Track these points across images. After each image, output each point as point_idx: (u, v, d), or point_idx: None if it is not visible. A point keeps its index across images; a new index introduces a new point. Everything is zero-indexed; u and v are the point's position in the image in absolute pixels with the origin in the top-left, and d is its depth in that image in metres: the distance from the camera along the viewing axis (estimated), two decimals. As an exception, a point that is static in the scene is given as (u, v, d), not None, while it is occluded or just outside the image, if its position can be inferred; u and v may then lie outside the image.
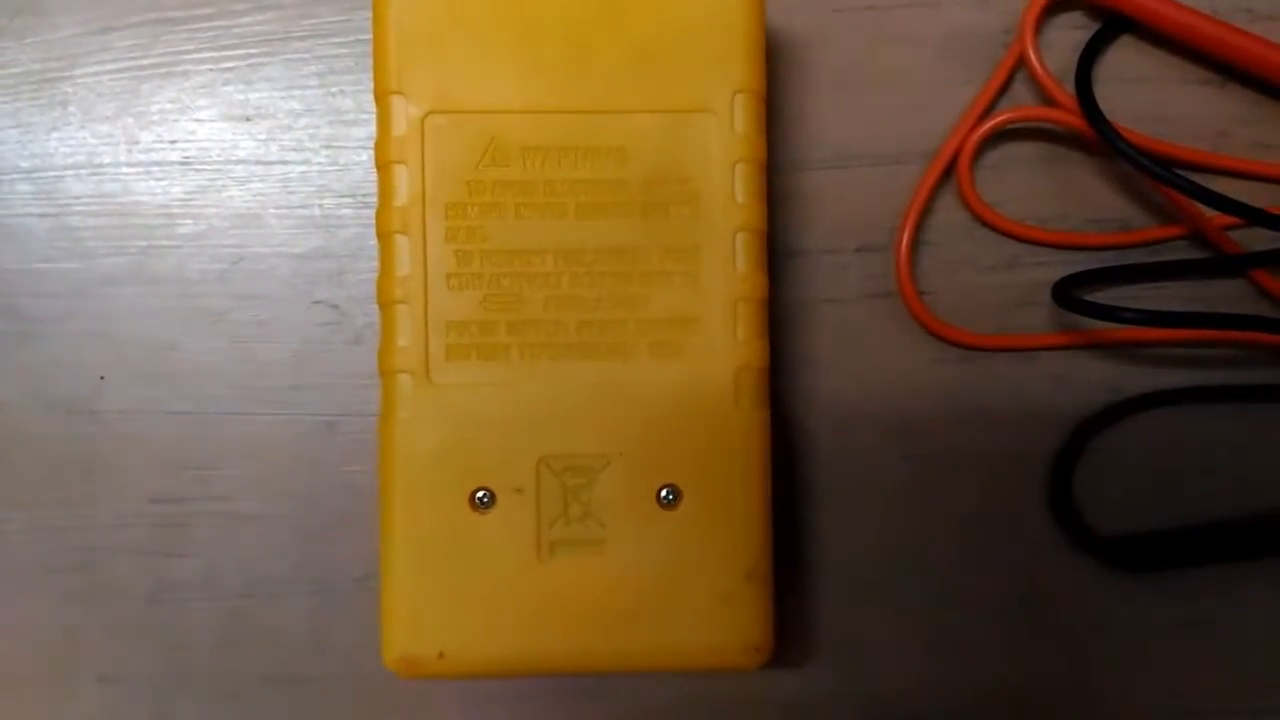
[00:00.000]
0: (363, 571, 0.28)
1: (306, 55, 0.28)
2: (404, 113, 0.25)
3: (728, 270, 0.25)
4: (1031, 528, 0.28)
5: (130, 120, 0.28)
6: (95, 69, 0.28)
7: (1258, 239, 0.28)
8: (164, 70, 0.28)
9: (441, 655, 0.24)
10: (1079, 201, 0.29)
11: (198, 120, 0.28)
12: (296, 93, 0.28)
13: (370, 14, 0.25)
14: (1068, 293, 0.27)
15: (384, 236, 0.25)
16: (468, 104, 0.25)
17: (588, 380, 0.25)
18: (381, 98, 0.25)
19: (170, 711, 0.28)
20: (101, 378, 0.28)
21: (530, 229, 0.25)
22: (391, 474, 0.25)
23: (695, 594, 0.25)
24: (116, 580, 0.28)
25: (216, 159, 0.28)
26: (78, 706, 0.28)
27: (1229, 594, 0.28)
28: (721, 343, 0.25)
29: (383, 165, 0.25)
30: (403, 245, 0.25)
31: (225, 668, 0.28)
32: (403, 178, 0.25)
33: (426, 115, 0.25)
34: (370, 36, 0.25)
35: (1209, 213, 0.28)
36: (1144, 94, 0.29)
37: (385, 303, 0.25)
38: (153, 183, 0.28)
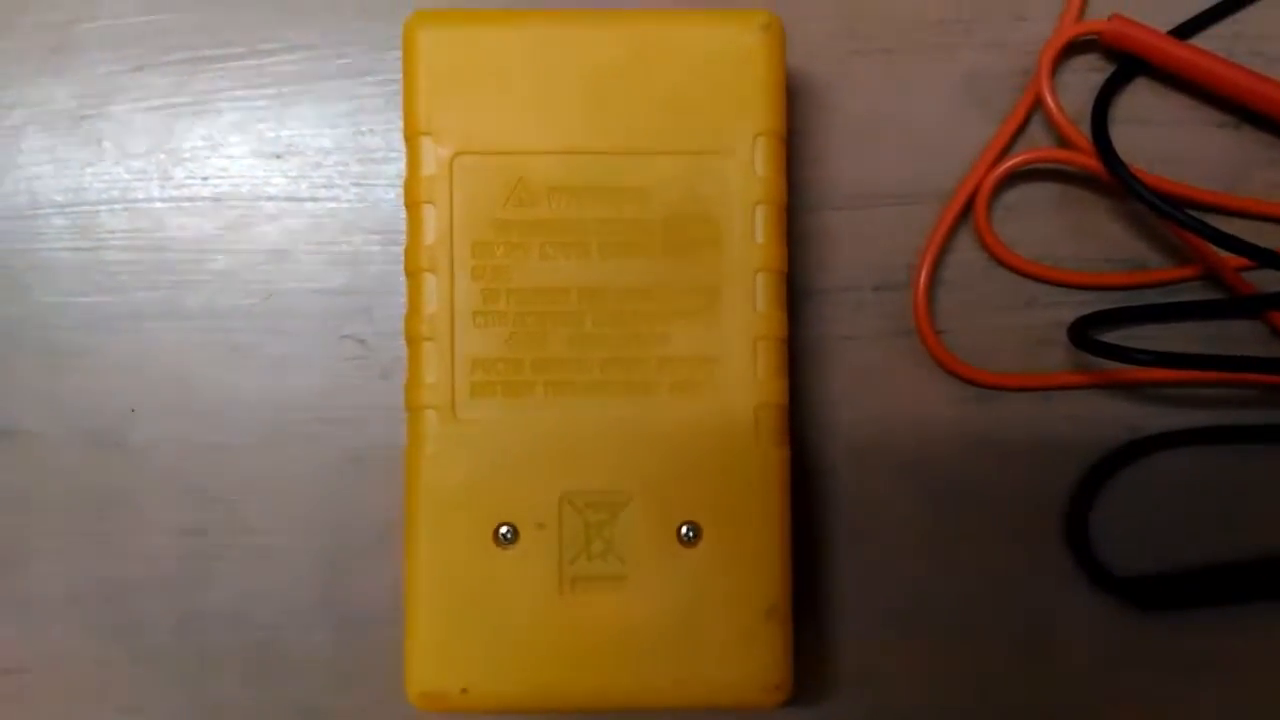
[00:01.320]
0: (387, 604, 0.28)
1: (336, 94, 0.29)
2: (433, 154, 0.25)
3: (748, 309, 0.25)
4: (1048, 566, 0.28)
5: (164, 156, 0.29)
6: (130, 106, 0.29)
7: (1273, 279, 0.29)
8: (197, 108, 0.29)
9: (464, 690, 0.25)
10: (1095, 242, 0.29)
11: (230, 157, 0.29)
12: (326, 131, 0.29)
13: (398, 55, 0.26)
14: (1083, 333, 0.27)
15: (412, 274, 0.25)
16: (495, 145, 0.25)
17: (610, 417, 0.25)
18: (411, 139, 0.25)
19: (194, 740, 0.28)
20: (132, 410, 0.28)
21: (555, 268, 0.25)
22: (417, 508, 0.25)
23: (715, 631, 0.25)
24: (143, 611, 0.28)
25: (248, 195, 0.29)
26: (103, 734, 0.28)
27: (1244, 634, 0.28)
28: (742, 381, 0.25)
29: (412, 204, 0.25)
30: (430, 283, 0.25)
31: (250, 700, 0.28)
32: (431, 217, 0.25)
33: (455, 156, 0.25)
34: (398, 77, 0.26)
35: (1223, 254, 0.28)
36: (1159, 135, 0.29)
37: (413, 339, 0.25)
38: (185, 218, 0.29)
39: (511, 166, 0.25)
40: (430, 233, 0.25)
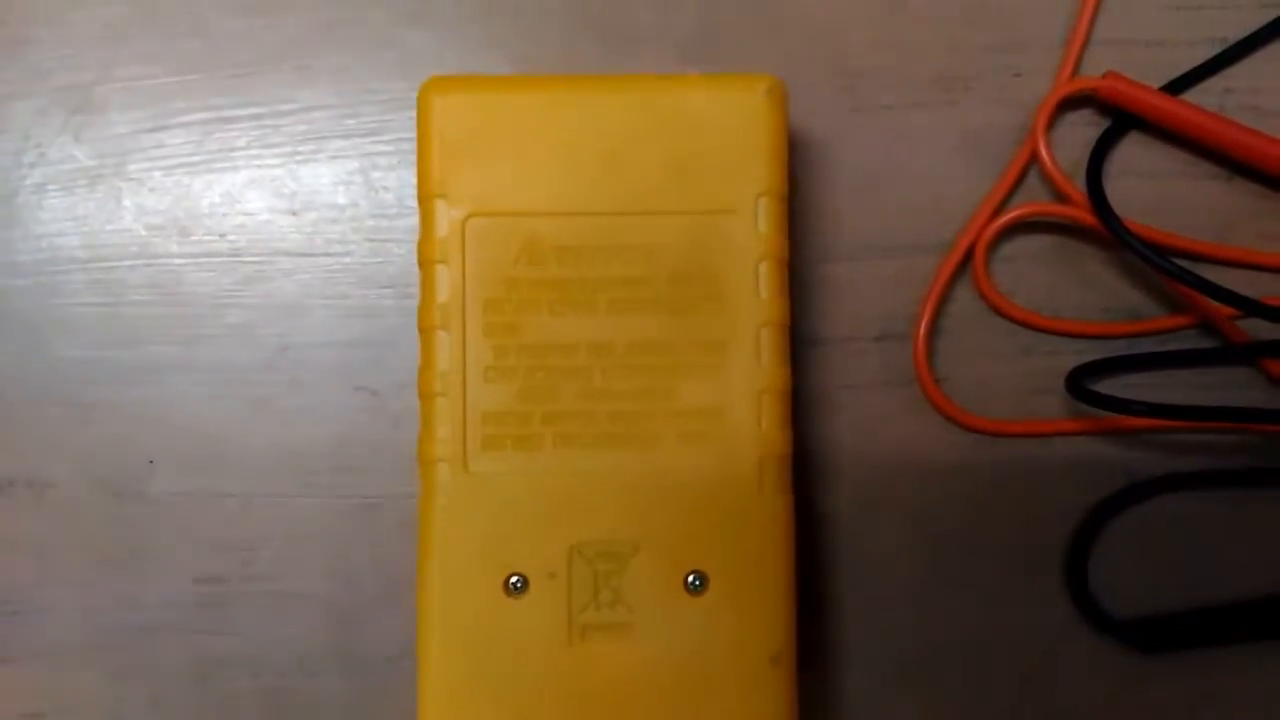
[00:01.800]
0: (399, 651, 0.29)
1: (351, 152, 0.30)
2: (446, 215, 0.26)
3: (752, 363, 0.26)
4: (1049, 610, 0.29)
5: (181, 213, 0.30)
6: (148, 164, 0.30)
7: (1266, 327, 0.29)
8: (214, 166, 0.30)
9: (476, 736, 0.25)
10: (1091, 292, 0.30)
11: (246, 214, 0.30)
12: (341, 188, 0.30)
13: (410, 114, 0.27)
14: (1080, 384, 0.28)
15: (425, 331, 0.26)
16: (506, 207, 0.26)
17: (618, 469, 0.26)
18: (425, 200, 0.26)
19: (210, 785, 0.29)
20: (150, 461, 0.29)
21: (564, 324, 0.26)
22: (429, 559, 0.26)
23: (722, 678, 0.25)
24: (161, 657, 0.29)
25: (264, 250, 0.30)
26: (121, 779, 0.29)
27: (1243, 674, 0.29)
28: (746, 432, 0.26)
29: (425, 264, 0.26)
30: (443, 340, 0.26)
31: (265, 743, 0.29)
32: (444, 276, 0.26)
33: (467, 218, 0.26)
34: (410, 135, 0.27)
35: (1216, 303, 0.29)
36: (1153, 187, 0.30)
37: (425, 395, 0.26)
38: (202, 273, 0.30)
39: (522, 227, 0.26)
40: (443, 291, 0.26)
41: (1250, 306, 0.28)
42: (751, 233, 0.26)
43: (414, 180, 0.26)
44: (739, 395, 0.26)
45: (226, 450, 0.29)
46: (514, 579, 0.26)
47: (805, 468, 0.29)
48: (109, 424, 0.29)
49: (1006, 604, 0.29)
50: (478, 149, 0.26)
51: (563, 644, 0.25)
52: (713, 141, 0.26)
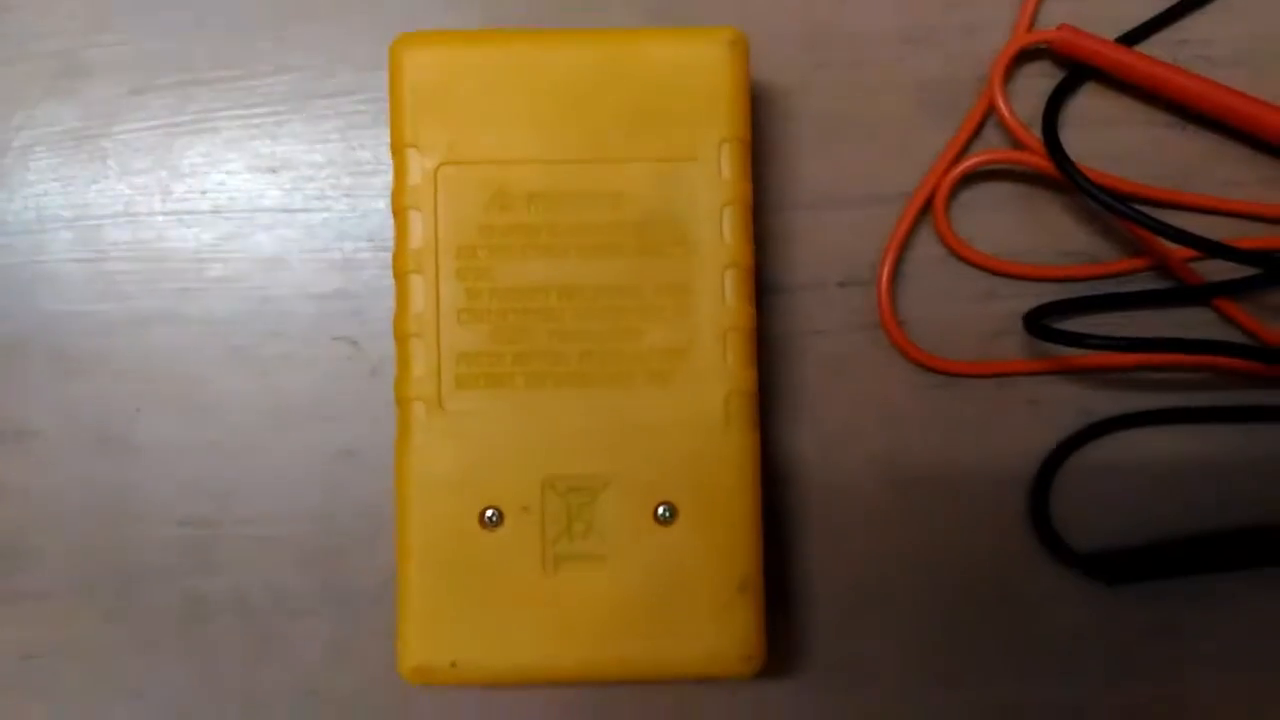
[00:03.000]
0: (379, 589, 0.29)
1: (328, 112, 0.31)
2: (418, 164, 0.27)
3: (717, 303, 0.27)
4: (1012, 544, 0.30)
5: (164, 173, 0.31)
6: (132, 126, 0.31)
7: (1219, 270, 0.30)
8: (196, 127, 0.31)
9: (453, 664, 0.26)
10: (1049, 237, 0.31)
11: (227, 172, 0.31)
12: (319, 146, 0.31)
13: (384, 74, 0.27)
14: (1039, 322, 0.29)
15: (400, 276, 0.27)
16: (477, 155, 0.27)
17: (589, 406, 0.27)
18: (398, 150, 0.27)
19: (198, 726, 0.29)
20: (137, 410, 0.30)
21: (535, 268, 0.27)
22: (407, 494, 0.26)
23: (691, 606, 0.26)
24: (148, 599, 0.30)
25: (244, 207, 0.31)
26: (111, 718, 0.29)
27: (1198, 603, 0.30)
28: (712, 370, 0.27)
29: (399, 211, 0.27)
30: (417, 284, 0.27)
31: (249, 681, 0.29)
32: (417, 223, 0.27)
33: (439, 166, 0.27)
34: (385, 95, 0.27)
35: (1171, 246, 0.30)
36: (1109, 136, 0.31)
37: (401, 336, 0.27)
38: (185, 230, 0.31)
39: (492, 175, 0.27)
40: (417, 237, 0.27)
41: (1202, 244, 0.28)
42: (715, 178, 0.27)
43: (388, 138, 0.27)
44: (705, 335, 0.27)
45: (210, 399, 0.30)
46: (489, 512, 0.26)
47: (773, 410, 0.30)
48: (95, 375, 0.30)
49: (971, 540, 0.30)
50: (448, 100, 0.27)
51: (537, 574, 0.26)
52: (677, 91, 0.27)
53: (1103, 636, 0.30)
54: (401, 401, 0.27)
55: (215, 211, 0.31)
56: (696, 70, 0.27)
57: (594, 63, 0.27)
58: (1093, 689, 0.29)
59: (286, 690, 0.29)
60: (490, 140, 0.27)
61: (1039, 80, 0.31)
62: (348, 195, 0.31)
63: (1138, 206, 0.29)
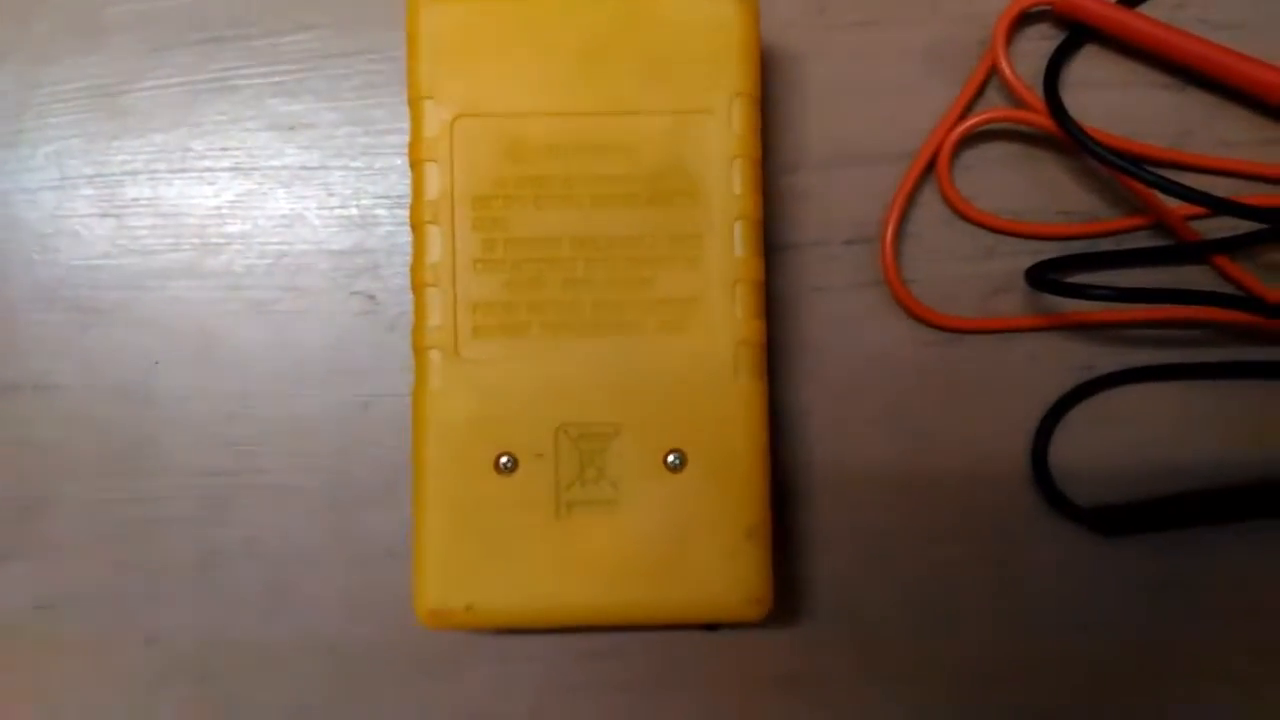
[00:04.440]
0: (394, 541, 0.30)
1: (346, 70, 0.31)
2: (435, 116, 0.27)
3: (727, 255, 0.28)
4: (1013, 497, 0.30)
5: (184, 130, 0.31)
6: (153, 84, 0.31)
7: (1218, 228, 0.31)
8: (216, 85, 0.31)
9: (469, 608, 0.27)
10: (1050, 195, 0.31)
11: (246, 130, 0.31)
12: (337, 104, 0.31)
13: (402, 33, 0.28)
14: (1040, 275, 0.29)
15: (417, 227, 0.27)
16: (493, 108, 0.27)
17: (601, 355, 0.27)
18: (414, 103, 0.28)
19: (213, 672, 0.30)
20: (156, 363, 0.30)
21: (549, 219, 0.27)
22: (423, 441, 0.27)
23: (700, 551, 0.27)
24: (166, 549, 0.30)
25: (263, 165, 0.31)
26: (126, 666, 0.30)
27: (1198, 556, 0.30)
28: (722, 320, 0.27)
29: (415, 163, 0.28)
30: (434, 234, 0.27)
31: (266, 630, 0.30)
32: (434, 174, 0.27)
33: (456, 118, 0.27)
34: (402, 53, 0.28)
35: (1171, 204, 0.31)
36: (1109, 97, 0.31)
37: (418, 286, 0.27)
38: (205, 187, 0.31)
39: (508, 127, 0.28)
40: (433, 188, 0.27)
41: (1205, 200, 0.29)
42: (726, 132, 0.28)
43: (405, 96, 0.28)
44: (715, 285, 0.27)
45: (229, 352, 0.31)
46: (504, 459, 0.27)
47: (779, 366, 0.31)
48: (115, 328, 0.31)
49: (972, 492, 0.30)
50: (464, 53, 0.27)
51: (550, 519, 0.27)
52: (689, 45, 0.28)
53: (1102, 589, 0.30)
54: (419, 350, 0.27)
55: (235, 169, 0.31)
56: (709, 25, 0.28)
57: (608, 17, 0.28)
58: (1093, 640, 0.30)
59: (303, 640, 0.30)
60: (506, 93, 0.28)
61: (1040, 42, 0.32)
62: (365, 153, 0.31)
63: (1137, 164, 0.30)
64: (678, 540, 0.27)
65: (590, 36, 0.28)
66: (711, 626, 0.30)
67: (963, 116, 0.31)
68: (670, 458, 0.27)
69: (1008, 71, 0.30)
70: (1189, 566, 0.30)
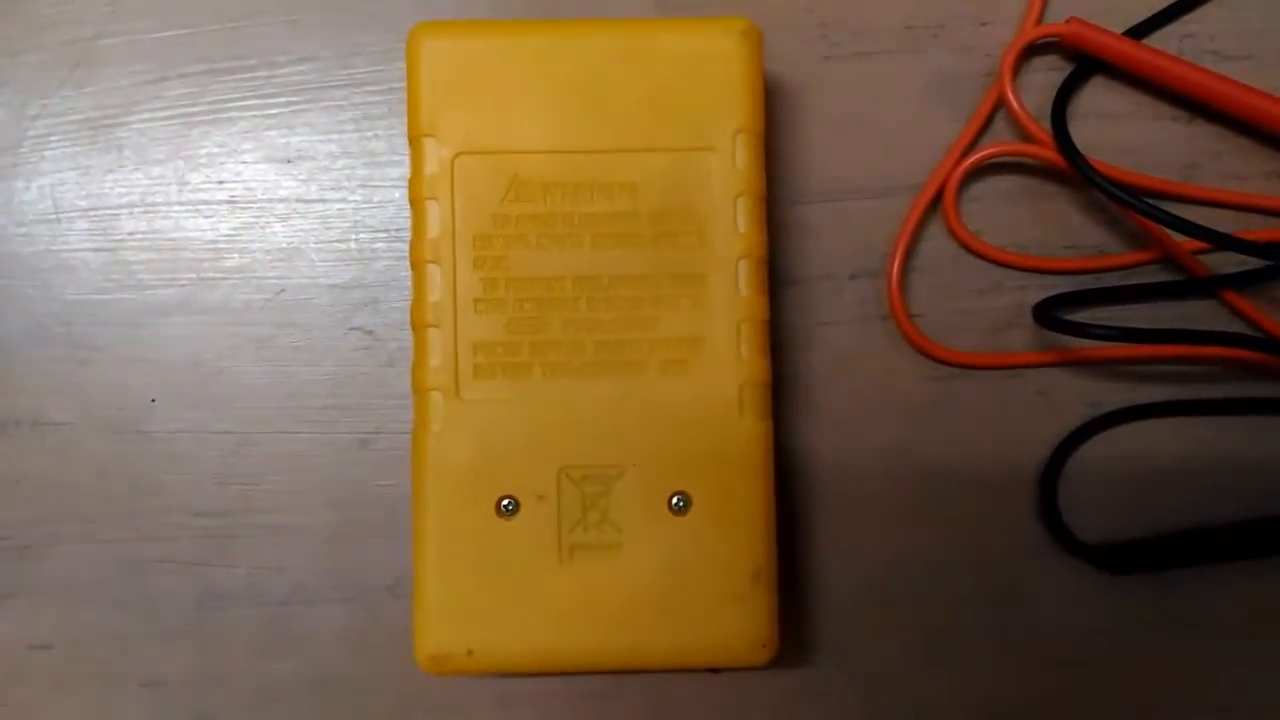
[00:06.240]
0: (395, 579, 0.30)
1: (343, 103, 0.31)
2: (435, 153, 0.27)
3: (731, 294, 0.27)
4: (1020, 534, 0.30)
5: (181, 163, 0.31)
6: (148, 116, 0.31)
7: (1226, 262, 0.30)
8: (212, 117, 0.31)
9: (470, 653, 0.26)
10: (1057, 230, 0.31)
11: (243, 162, 0.31)
12: (334, 137, 0.31)
13: (400, 65, 0.28)
14: (1047, 313, 0.29)
15: (417, 266, 0.27)
16: (493, 145, 0.27)
17: (604, 396, 0.27)
18: (415, 140, 0.27)
19: (211, 712, 0.30)
20: (152, 400, 0.30)
21: (551, 258, 0.27)
22: (424, 483, 0.27)
23: (706, 594, 0.27)
24: (164, 589, 0.30)
25: (260, 198, 0.31)
26: (124, 709, 0.30)
27: (1203, 594, 0.30)
28: (727, 360, 0.27)
29: (416, 201, 0.27)
30: (434, 274, 0.27)
31: (265, 671, 0.30)
32: (434, 213, 0.27)
33: (456, 156, 0.27)
34: (400, 85, 0.28)
35: (1179, 238, 0.30)
36: (1117, 129, 0.31)
37: (418, 326, 0.27)
38: (201, 220, 0.31)
39: (509, 165, 0.27)
40: (433, 227, 0.27)
41: (1213, 237, 0.29)
42: (729, 169, 0.27)
43: (404, 129, 0.27)
44: (719, 325, 0.27)
45: (225, 389, 0.30)
46: (505, 501, 0.27)
47: (784, 401, 0.30)
48: (111, 365, 0.30)
49: (979, 530, 0.30)
50: (465, 90, 0.27)
51: (553, 563, 0.27)
52: (691, 82, 0.27)
53: (1109, 625, 0.30)
54: (419, 391, 0.27)
55: (231, 202, 0.31)
56: (710, 61, 0.27)
57: (609, 53, 0.27)
58: (1099, 679, 0.30)
59: (302, 680, 0.30)
60: (507, 130, 0.27)
61: (1048, 74, 0.31)
62: (363, 186, 0.31)
63: (1145, 199, 0.29)
64: (682, 584, 0.27)
65: (592, 74, 0.27)
66: (714, 669, 0.30)
67: (969, 150, 0.31)
68: (674, 500, 0.27)
69: (1015, 105, 0.30)
70: (1196, 604, 0.30)
